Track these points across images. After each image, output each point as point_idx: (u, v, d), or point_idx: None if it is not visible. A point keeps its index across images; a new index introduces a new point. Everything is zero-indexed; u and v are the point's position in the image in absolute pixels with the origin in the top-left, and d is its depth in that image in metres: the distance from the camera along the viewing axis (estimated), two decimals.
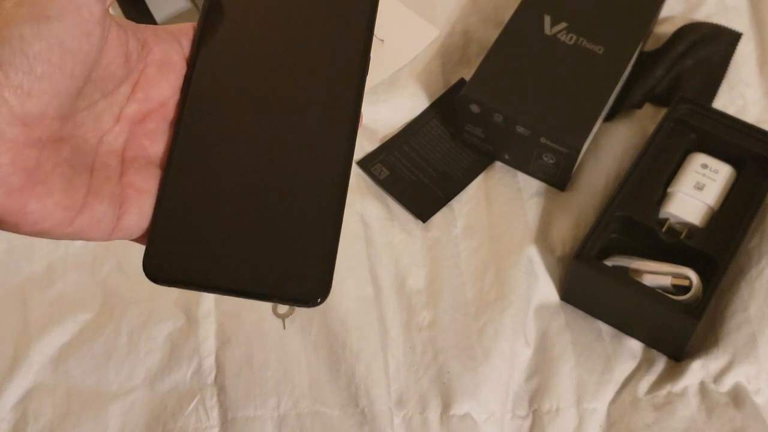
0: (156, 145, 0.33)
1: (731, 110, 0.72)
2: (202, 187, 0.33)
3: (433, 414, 0.60)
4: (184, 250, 0.32)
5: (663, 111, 0.71)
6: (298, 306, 0.32)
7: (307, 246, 0.32)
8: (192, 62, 0.34)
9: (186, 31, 0.34)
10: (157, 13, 0.79)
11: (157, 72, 0.33)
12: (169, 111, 0.34)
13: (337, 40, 0.35)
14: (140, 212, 0.32)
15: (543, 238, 0.67)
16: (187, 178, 0.33)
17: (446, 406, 0.60)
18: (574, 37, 0.70)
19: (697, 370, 0.60)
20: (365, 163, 0.71)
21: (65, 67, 0.28)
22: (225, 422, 0.60)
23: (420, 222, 0.68)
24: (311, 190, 0.33)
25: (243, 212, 0.32)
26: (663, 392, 0.60)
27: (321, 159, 0.33)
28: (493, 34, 0.74)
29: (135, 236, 0.32)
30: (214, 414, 0.60)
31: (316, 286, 0.31)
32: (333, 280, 0.32)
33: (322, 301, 0.31)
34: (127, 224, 0.32)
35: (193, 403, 0.60)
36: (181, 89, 0.34)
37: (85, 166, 0.30)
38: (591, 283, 0.62)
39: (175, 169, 0.33)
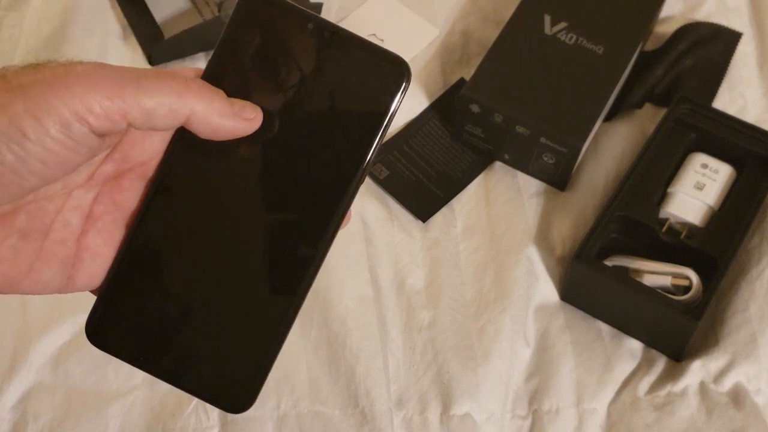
0: (127, 202, 0.32)
1: (731, 110, 0.72)
2: (158, 270, 0.32)
3: (433, 414, 0.60)
4: (126, 327, 0.32)
5: (663, 111, 0.71)
6: (220, 409, 0.33)
7: (243, 360, 0.32)
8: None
9: None
10: (157, 13, 0.79)
11: (141, 134, 0.31)
12: (149, 170, 0.32)
13: (342, 150, 0.32)
14: (91, 274, 0.31)
15: (543, 238, 0.67)
16: (146, 254, 0.32)
17: (446, 407, 0.60)
18: (574, 37, 0.70)
19: (697, 370, 0.60)
20: None
21: (32, 176, 0.27)
22: (225, 422, 0.59)
23: (420, 222, 0.68)
24: (262, 307, 0.33)
25: (191, 308, 0.32)
26: (663, 392, 0.60)
27: (281, 277, 0.33)
28: (492, 34, 0.74)
29: (88, 290, 0.32)
30: (214, 414, 0.60)
31: (243, 398, 0.32)
32: (260, 393, 0.32)
33: (246, 410, 0.32)
34: (78, 284, 0.31)
35: (193, 403, 0.60)
36: (164, 152, 0.32)
37: (40, 230, 0.29)
38: (591, 283, 0.62)
39: (136, 242, 0.32)
